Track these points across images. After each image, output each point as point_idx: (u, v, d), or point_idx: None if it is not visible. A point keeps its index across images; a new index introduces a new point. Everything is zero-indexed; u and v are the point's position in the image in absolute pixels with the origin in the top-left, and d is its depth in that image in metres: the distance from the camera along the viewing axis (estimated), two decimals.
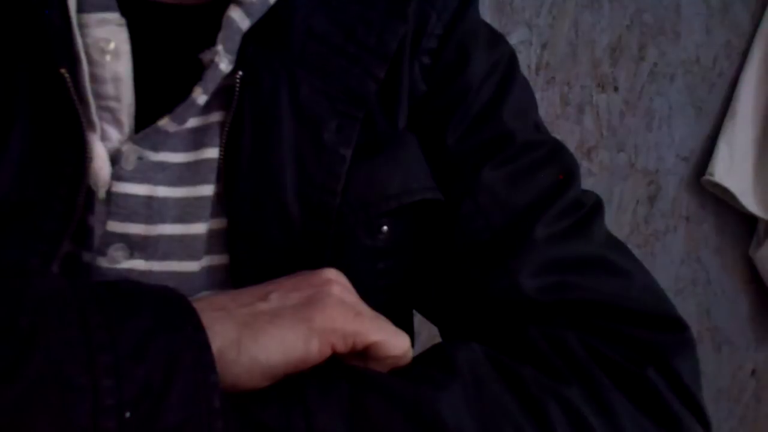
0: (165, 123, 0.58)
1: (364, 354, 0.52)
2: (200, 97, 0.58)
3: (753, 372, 1.94)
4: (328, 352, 0.50)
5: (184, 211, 0.59)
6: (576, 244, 0.64)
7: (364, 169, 0.62)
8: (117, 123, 0.58)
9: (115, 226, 0.58)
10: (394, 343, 0.52)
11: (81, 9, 0.57)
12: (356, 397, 0.49)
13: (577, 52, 1.59)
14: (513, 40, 1.49)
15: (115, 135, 0.58)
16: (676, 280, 1.81)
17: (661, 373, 0.58)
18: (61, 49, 0.56)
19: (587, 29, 1.59)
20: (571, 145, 1.59)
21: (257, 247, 0.60)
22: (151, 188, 0.59)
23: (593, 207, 0.66)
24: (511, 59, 0.70)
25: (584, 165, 1.63)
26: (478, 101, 0.67)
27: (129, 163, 0.58)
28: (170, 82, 0.60)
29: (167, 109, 0.58)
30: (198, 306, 0.47)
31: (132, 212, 0.58)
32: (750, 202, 1.75)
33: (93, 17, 0.57)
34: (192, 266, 0.60)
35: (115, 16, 0.58)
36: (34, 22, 0.57)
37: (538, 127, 0.70)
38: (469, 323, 0.65)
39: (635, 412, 0.56)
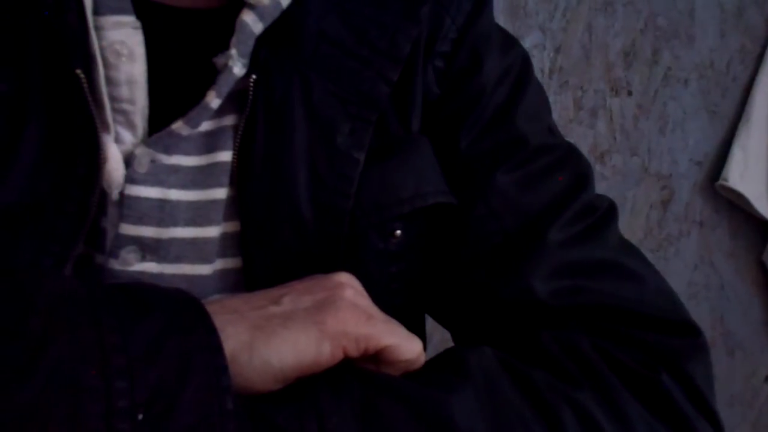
0: (178, 126, 0.58)
1: (376, 358, 0.52)
2: (214, 100, 0.58)
3: (766, 378, 1.93)
4: (340, 355, 0.50)
5: (197, 214, 0.59)
6: (589, 248, 0.63)
7: (377, 173, 0.62)
8: (130, 126, 0.58)
9: (127, 229, 0.58)
10: (407, 346, 0.52)
11: (97, 11, 0.57)
12: (368, 400, 0.49)
13: (591, 56, 1.59)
14: (526, 44, 1.49)
15: (128, 138, 0.58)
16: (689, 285, 1.81)
17: (674, 377, 0.58)
18: (77, 51, 0.56)
19: (601, 33, 1.59)
20: (585, 149, 1.59)
21: (270, 250, 0.60)
22: (164, 191, 0.59)
23: (606, 211, 0.66)
24: (524, 63, 0.70)
25: (597, 169, 1.63)
26: (492, 105, 0.67)
27: (142, 166, 0.58)
28: (184, 85, 0.60)
29: (181, 112, 0.58)
30: (210, 308, 0.47)
31: (144, 215, 0.58)
32: (764, 207, 1.74)
33: (108, 20, 0.57)
34: (204, 269, 0.60)
35: (130, 19, 0.58)
36: (51, 23, 0.57)
37: (552, 130, 0.70)
38: (481, 327, 0.65)
39: (648, 417, 0.56)
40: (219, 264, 0.60)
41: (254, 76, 0.60)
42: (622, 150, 1.66)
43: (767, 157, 1.74)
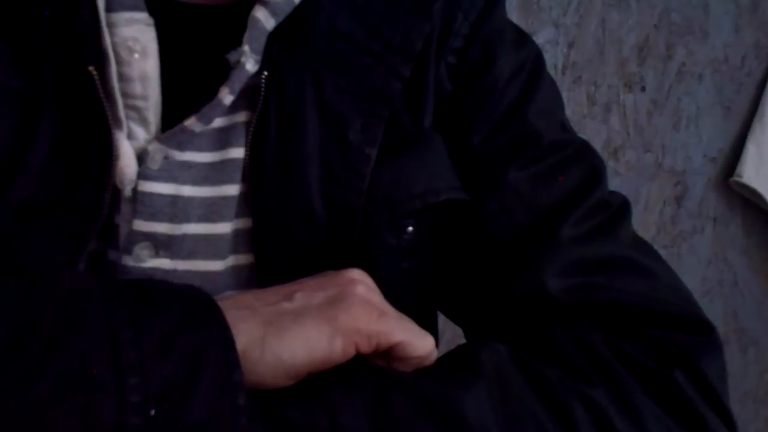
0: (191, 123, 0.58)
1: (388, 354, 0.52)
2: (226, 97, 0.58)
3: None
4: (352, 351, 0.50)
5: (210, 210, 0.59)
6: (602, 244, 0.63)
7: (389, 169, 0.62)
8: (144, 122, 0.58)
9: (140, 225, 0.58)
10: (419, 343, 0.52)
11: (109, 8, 0.57)
12: (381, 397, 0.49)
13: (604, 52, 1.58)
14: (539, 39, 1.49)
15: (141, 134, 0.59)
16: (702, 282, 1.80)
17: (687, 374, 0.58)
18: (89, 48, 0.57)
19: (614, 28, 1.58)
20: (598, 145, 1.58)
21: (282, 246, 0.60)
22: (177, 187, 0.59)
23: (620, 208, 0.66)
24: (537, 59, 0.70)
25: (611, 165, 1.62)
26: (504, 101, 0.67)
27: (155, 162, 0.58)
28: (197, 81, 0.60)
29: (193, 108, 0.58)
30: (223, 305, 0.47)
31: (157, 211, 0.58)
32: None
33: (121, 16, 0.58)
34: (217, 265, 0.60)
35: (143, 15, 0.58)
36: (63, 20, 0.57)
37: (565, 126, 0.70)
38: (493, 323, 0.65)
39: (661, 414, 0.56)
40: (231, 260, 0.61)
41: (266, 73, 0.60)
42: (636, 146, 1.66)
43: None
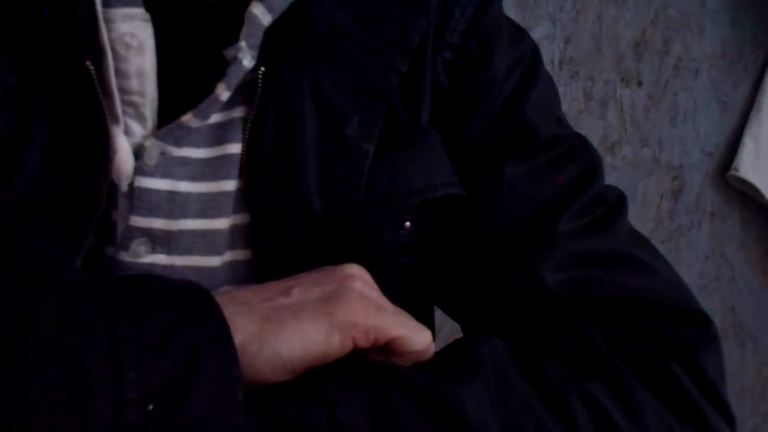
0: (188, 118, 0.58)
1: (385, 349, 0.52)
2: (223, 93, 0.58)
3: None
4: (349, 346, 0.50)
5: (207, 206, 0.59)
6: (599, 239, 0.63)
7: (386, 164, 0.62)
8: (140, 118, 0.58)
9: (137, 221, 0.58)
10: (416, 338, 0.52)
11: (106, 3, 0.57)
12: (379, 392, 0.49)
13: (601, 47, 1.58)
14: (536, 34, 1.49)
15: (138, 130, 0.58)
16: (700, 276, 1.80)
17: (685, 368, 0.58)
18: (86, 43, 0.56)
19: (611, 23, 1.58)
20: (595, 140, 1.59)
21: (280, 242, 0.60)
22: (174, 183, 0.59)
23: (616, 202, 0.66)
24: (534, 54, 0.70)
25: (608, 160, 1.62)
26: (501, 96, 0.67)
27: (151, 158, 0.58)
28: (193, 77, 0.60)
29: (190, 104, 0.58)
30: (220, 300, 0.47)
31: (154, 207, 0.58)
32: None
33: (118, 12, 0.57)
34: (214, 261, 0.60)
35: (140, 11, 0.58)
36: (61, 15, 0.57)
37: (561, 121, 0.70)
38: (491, 318, 0.65)
39: (659, 408, 0.56)
40: (228, 256, 0.60)
41: (263, 69, 0.60)
42: (633, 141, 1.66)
43: None
